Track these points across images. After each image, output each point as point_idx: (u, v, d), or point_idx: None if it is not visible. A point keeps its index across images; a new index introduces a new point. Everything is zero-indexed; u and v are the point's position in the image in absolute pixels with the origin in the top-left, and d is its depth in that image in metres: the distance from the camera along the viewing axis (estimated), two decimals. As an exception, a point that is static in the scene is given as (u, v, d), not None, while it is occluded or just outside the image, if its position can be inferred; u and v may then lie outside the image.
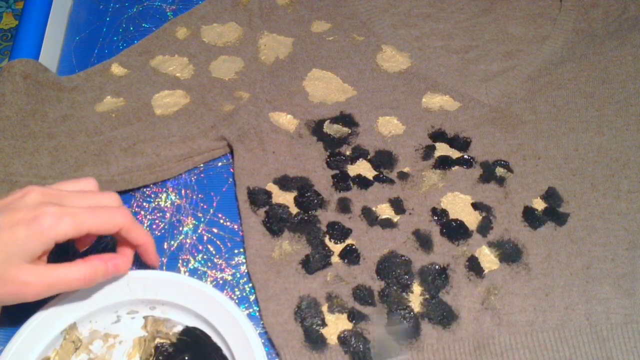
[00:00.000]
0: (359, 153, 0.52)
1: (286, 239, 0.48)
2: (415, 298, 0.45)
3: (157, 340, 0.44)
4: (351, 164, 0.52)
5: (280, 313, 0.45)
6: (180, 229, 0.50)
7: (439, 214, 0.49)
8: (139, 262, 0.48)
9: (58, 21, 0.62)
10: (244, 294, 0.47)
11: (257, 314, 0.46)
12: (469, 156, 0.52)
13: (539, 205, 0.49)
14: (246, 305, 0.47)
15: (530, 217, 0.49)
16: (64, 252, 0.48)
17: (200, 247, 0.49)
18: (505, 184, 0.50)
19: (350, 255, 0.47)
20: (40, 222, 0.37)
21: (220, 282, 0.48)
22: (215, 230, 0.50)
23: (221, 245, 0.50)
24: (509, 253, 0.47)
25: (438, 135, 0.53)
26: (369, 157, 0.52)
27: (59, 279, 0.38)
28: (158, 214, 0.51)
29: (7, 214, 0.38)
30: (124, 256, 0.43)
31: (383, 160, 0.52)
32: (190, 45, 0.58)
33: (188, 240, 0.50)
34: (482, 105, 0.55)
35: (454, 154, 0.52)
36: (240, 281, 0.48)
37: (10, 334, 0.41)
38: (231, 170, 0.53)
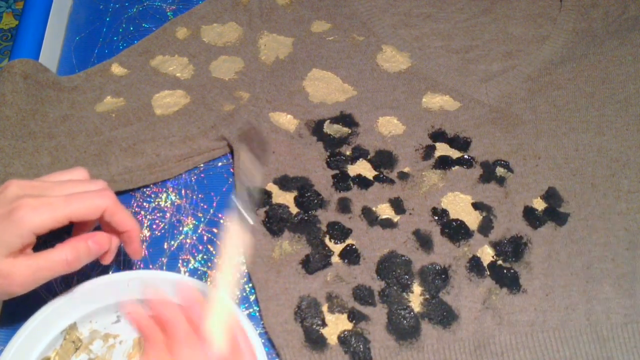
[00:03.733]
0: (359, 153, 0.52)
1: (286, 239, 0.48)
2: (416, 298, 0.45)
3: (157, 340, 0.44)
4: (351, 164, 0.52)
5: (281, 313, 0.45)
6: (180, 229, 0.50)
7: (440, 214, 0.49)
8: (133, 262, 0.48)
9: (58, 21, 0.62)
10: (244, 294, 0.47)
11: (257, 314, 0.46)
12: (469, 156, 0.52)
13: (539, 205, 0.49)
14: (246, 305, 0.47)
15: (531, 217, 0.49)
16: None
17: (200, 247, 0.49)
18: (506, 184, 0.50)
19: (350, 255, 0.47)
20: (16, 214, 0.37)
21: (220, 282, 0.48)
22: (215, 230, 0.50)
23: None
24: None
25: (438, 135, 0.53)
26: (369, 157, 0.52)
27: (40, 265, 0.38)
28: (158, 214, 0.51)
29: None
30: (104, 232, 0.42)
31: (383, 160, 0.52)
32: (190, 45, 0.58)
33: (188, 240, 0.50)
34: (482, 105, 0.55)
35: (454, 154, 0.52)
36: (240, 281, 0.48)
37: (10, 334, 0.41)
38: (231, 170, 0.53)
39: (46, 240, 0.40)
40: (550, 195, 0.50)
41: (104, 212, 0.40)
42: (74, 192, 0.39)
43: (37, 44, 0.57)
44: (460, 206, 0.49)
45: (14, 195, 0.38)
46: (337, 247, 0.48)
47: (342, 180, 0.51)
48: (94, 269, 0.46)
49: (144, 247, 0.49)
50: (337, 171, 0.51)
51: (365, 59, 0.58)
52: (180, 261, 0.49)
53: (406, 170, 0.51)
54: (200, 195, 0.52)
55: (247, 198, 0.41)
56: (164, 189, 0.52)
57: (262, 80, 0.56)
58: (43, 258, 0.38)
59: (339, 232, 0.48)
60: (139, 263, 0.48)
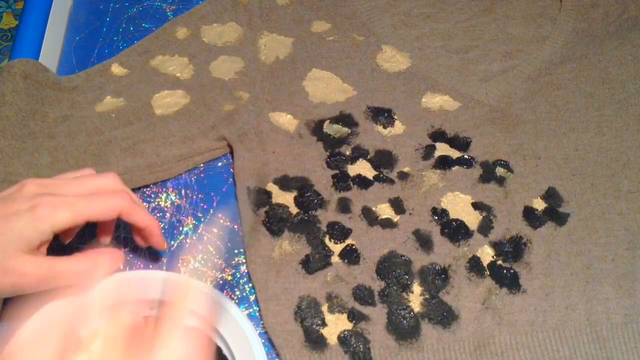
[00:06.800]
0: (359, 153, 0.52)
1: (286, 239, 0.48)
2: (415, 298, 0.45)
3: (157, 340, 0.44)
4: (351, 164, 0.52)
5: (280, 313, 0.45)
6: (180, 229, 0.50)
7: (439, 214, 0.49)
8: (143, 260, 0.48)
9: (58, 21, 0.62)
10: (244, 294, 0.47)
11: (257, 314, 0.46)
12: (469, 156, 0.52)
13: (539, 205, 0.49)
14: (246, 305, 0.47)
15: (531, 217, 0.49)
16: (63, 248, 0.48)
17: (200, 247, 0.49)
18: (506, 184, 0.50)
19: (350, 255, 0.47)
20: (37, 211, 0.37)
21: (220, 282, 0.48)
22: (215, 230, 0.50)
23: (221, 245, 0.50)
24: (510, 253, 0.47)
25: (438, 135, 0.53)
26: (369, 157, 0.52)
27: (58, 272, 0.38)
28: (158, 214, 0.51)
29: (3, 205, 0.38)
30: (117, 250, 0.42)
31: (383, 160, 0.52)
32: (190, 45, 0.58)
33: (188, 240, 0.50)
34: (482, 105, 0.55)
35: (454, 153, 0.52)
36: (240, 281, 0.48)
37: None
38: (231, 170, 0.53)
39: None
40: (550, 195, 0.50)
41: (121, 213, 0.40)
42: (93, 192, 0.40)
43: (37, 44, 0.57)
44: (460, 206, 0.49)
45: (32, 192, 0.39)
46: (337, 247, 0.48)
47: (342, 180, 0.51)
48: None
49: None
50: (337, 171, 0.51)
51: (365, 59, 0.58)
52: (180, 261, 0.49)
53: (406, 170, 0.51)
54: (200, 195, 0.52)
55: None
56: (164, 189, 0.53)
57: (262, 80, 0.56)
58: (61, 264, 0.39)
59: (339, 232, 0.48)
60: (138, 263, 0.48)
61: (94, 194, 0.40)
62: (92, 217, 0.39)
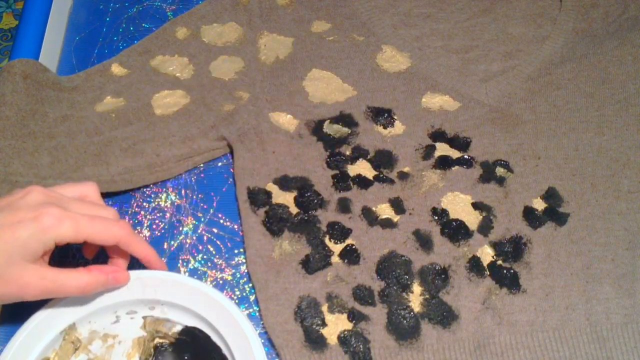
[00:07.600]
0: (359, 153, 0.52)
1: (286, 239, 0.48)
2: (415, 298, 0.45)
3: (157, 340, 0.44)
4: (351, 164, 0.52)
5: (280, 313, 0.45)
6: (180, 229, 0.50)
7: (439, 214, 0.49)
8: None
9: (58, 21, 0.62)
10: (244, 294, 0.47)
11: (257, 314, 0.46)
12: (469, 156, 0.52)
13: (539, 205, 0.49)
14: (246, 305, 0.47)
15: (531, 217, 0.49)
16: (64, 253, 0.48)
17: (200, 247, 0.49)
18: (505, 184, 0.50)
19: (350, 255, 0.47)
20: (42, 221, 0.37)
21: (220, 282, 0.48)
22: (215, 230, 0.50)
23: (221, 245, 0.50)
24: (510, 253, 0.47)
25: (438, 135, 0.53)
26: (369, 157, 0.52)
27: (59, 284, 0.39)
28: (158, 214, 0.51)
29: (8, 212, 0.38)
30: (124, 270, 0.43)
31: (383, 160, 0.52)
32: (190, 45, 0.58)
33: (188, 240, 0.50)
34: (482, 105, 0.55)
35: (454, 153, 0.52)
36: (240, 281, 0.48)
37: (10, 334, 0.41)
38: (231, 170, 0.53)
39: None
40: (550, 195, 0.50)
41: (119, 242, 0.41)
42: (95, 215, 0.40)
43: (37, 44, 0.57)
44: (460, 206, 0.49)
45: (37, 201, 0.39)
46: (337, 247, 0.48)
47: (342, 180, 0.51)
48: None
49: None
50: (337, 171, 0.51)
51: (365, 59, 0.58)
52: (180, 261, 0.49)
53: (406, 170, 0.51)
54: (200, 195, 0.52)
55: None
56: (164, 189, 0.52)
57: (262, 80, 0.56)
58: (63, 277, 0.39)
59: (339, 232, 0.48)
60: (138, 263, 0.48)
61: (97, 218, 0.40)
62: (92, 238, 0.39)
